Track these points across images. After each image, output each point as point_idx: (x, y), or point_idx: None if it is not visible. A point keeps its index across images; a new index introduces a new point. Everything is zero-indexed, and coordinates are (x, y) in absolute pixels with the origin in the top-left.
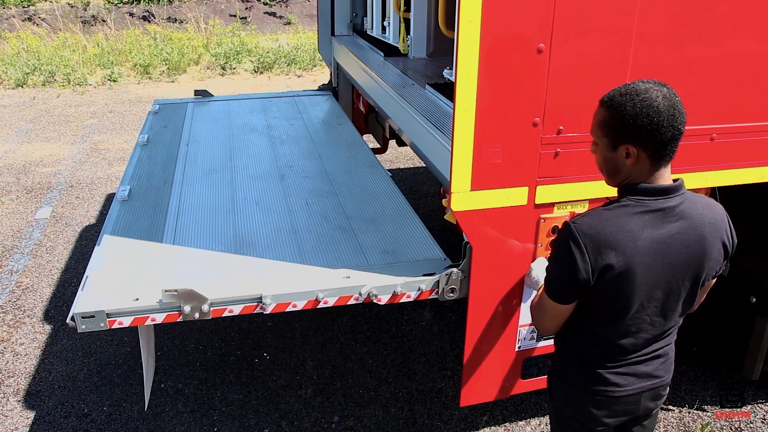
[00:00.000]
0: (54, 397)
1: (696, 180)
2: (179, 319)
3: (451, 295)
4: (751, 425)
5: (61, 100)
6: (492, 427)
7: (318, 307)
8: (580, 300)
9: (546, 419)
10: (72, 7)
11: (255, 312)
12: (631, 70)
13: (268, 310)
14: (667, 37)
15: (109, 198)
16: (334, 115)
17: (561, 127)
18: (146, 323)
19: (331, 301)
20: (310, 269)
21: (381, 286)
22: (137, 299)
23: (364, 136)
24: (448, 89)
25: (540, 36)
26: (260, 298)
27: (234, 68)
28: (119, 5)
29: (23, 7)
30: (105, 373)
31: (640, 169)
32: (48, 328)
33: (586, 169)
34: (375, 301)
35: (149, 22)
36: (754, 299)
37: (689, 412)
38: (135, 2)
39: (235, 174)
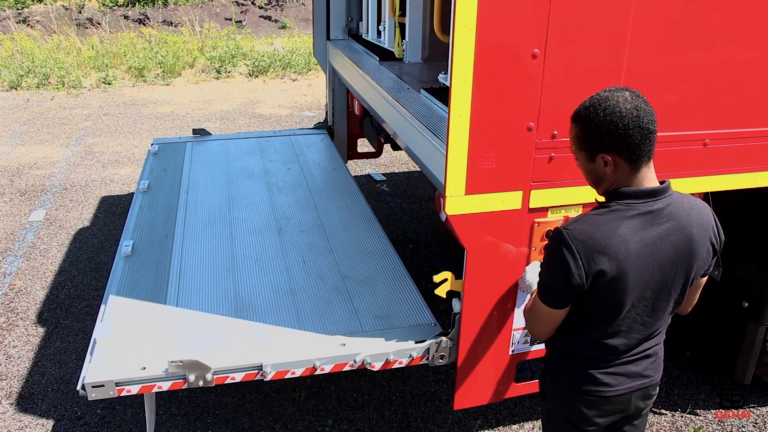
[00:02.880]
0: (47, 400)
1: (689, 185)
2: (184, 387)
3: (441, 361)
4: (743, 429)
5: (56, 103)
6: (485, 431)
7: (315, 373)
8: (572, 303)
9: (540, 423)
10: (66, 9)
11: (255, 379)
12: (624, 75)
13: (268, 378)
14: (661, 43)
15: (104, 201)
16: (329, 159)
17: (555, 132)
18: (153, 390)
19: (328, 368)
20: (307, 335)
21: (374, 354)
22: (144, 368)
23: (359, 140)
24: (443, 93)
25: (535, 41)
26: (261, 366)
27: (229, 72)
28: (114, 8)
29: (17, 9)
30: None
31: (621, 174)
32: (41, 330)
33: (580, 174)
34: (369, 368)
35: (144, 25)
36: (746, 304)
37: (682, 416)
38: (130, 5)
39: (234, 227)
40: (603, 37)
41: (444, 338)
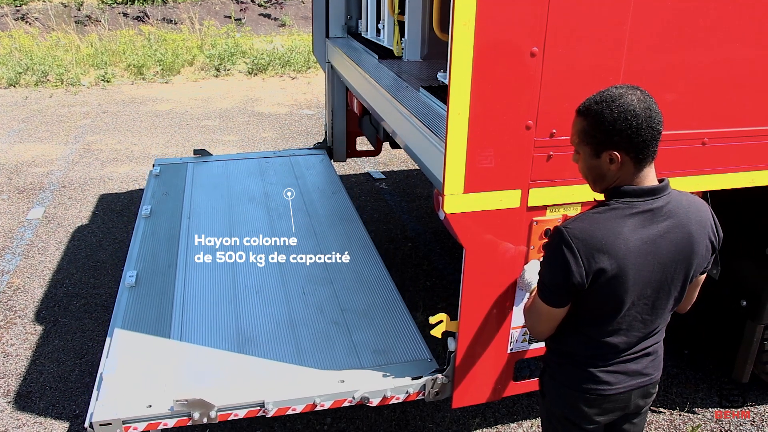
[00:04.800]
0: (45, 399)
1: (688, 184)
2: (189, 424)
3: (437, 396)
4: (741, 427)
5: (54, 100)
6: (484, 429)
7: (315, 410)
8: (572, 302)
9: (538, 421)
10: (65, 6)
11: (258, 415)
12: (623, 74)
13: (270, 414)
14: (660, 42)
15: (102, 198)
16: (328, 182)
17: (554, 131)
18: (158, 428)
19: (327, 405)
20: (307, 371)
21: (372, 390)
22: (150, 406)
23: (357, 138)
24: (441, 92)
25: (533, 40)
26: (263, 403)
27: (228, 70)
28: (113, 5)
29: (16, 6)
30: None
31: (625, 173)
32: (39, 329)
33: (578, 172)
34: (367, 404)
35: (143, 22)
36: (745, 303)
37: (680, 415)
38: (129, 2)
39: (235, 255)
40: (602, 36)
41: (439, 375)
